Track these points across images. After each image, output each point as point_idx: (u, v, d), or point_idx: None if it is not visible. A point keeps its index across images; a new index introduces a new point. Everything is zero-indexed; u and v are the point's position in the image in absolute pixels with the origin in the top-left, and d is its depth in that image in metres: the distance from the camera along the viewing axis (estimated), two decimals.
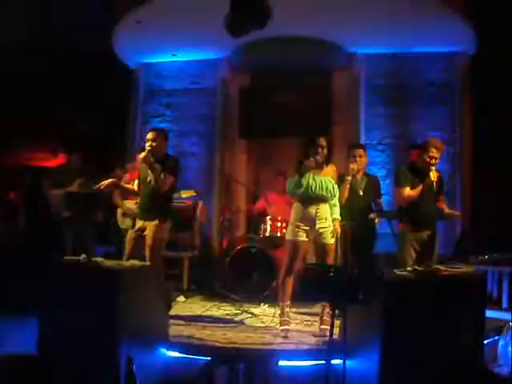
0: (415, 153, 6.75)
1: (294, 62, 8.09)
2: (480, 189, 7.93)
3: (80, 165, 7.32)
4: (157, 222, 5.28)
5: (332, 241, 5.14)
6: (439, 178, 5.52)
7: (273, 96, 8.42)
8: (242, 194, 8.57)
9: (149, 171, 5.28)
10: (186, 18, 7.22)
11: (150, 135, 5.38)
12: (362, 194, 5.92)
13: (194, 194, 6.74)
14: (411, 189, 5.40)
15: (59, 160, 8.56)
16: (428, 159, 5.34)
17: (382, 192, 6.22)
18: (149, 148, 5.29)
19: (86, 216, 7.00)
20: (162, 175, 5.21)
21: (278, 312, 5.24)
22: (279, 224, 7.04)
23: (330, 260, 5.12)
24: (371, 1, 6.71)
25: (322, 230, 5.11)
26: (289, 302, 5.17)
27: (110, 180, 5.46)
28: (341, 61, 8.45)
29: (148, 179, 5.33)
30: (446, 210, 5.65)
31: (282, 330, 5.01)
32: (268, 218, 7.17)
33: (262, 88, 8.70)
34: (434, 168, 5.36)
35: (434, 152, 5.35)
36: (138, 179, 5.56)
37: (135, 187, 5.61)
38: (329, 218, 5.17)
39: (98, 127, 9.64)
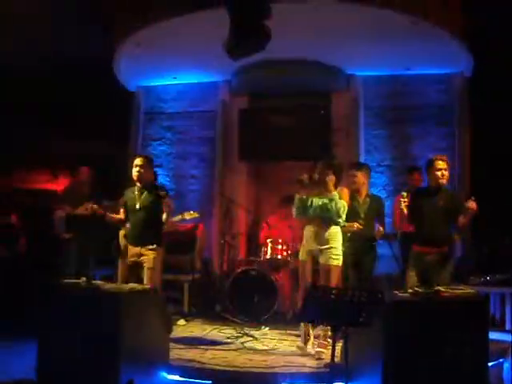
0: (417, 175, 6.77)
1: (293, 85, 8.13)
2: (480, 209, 7.90)
3: (88, 187, 7.27)
4: (155, 246, 5.41)
5: (334, 262, 5.15)
6: (452, 199, 5.44)
7: (272, 118, 8.42)
8: (242, 216, 8.55)
9: (139, 198, 5.49)
10: (186, 41, 7.27)
11: (137, 161, 5.55)
12: (363, 214, 5.92)
13: (197, 215, 6.76)
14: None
15: (60, 183, 8.55)
16: (438, 173, 5.28)
17: (385, 213, 6.19)
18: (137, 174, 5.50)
19: (88, 238, 6.97)
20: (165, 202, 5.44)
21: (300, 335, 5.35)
22: (280, 246, 7.04)
23: (333, 282, 5.12)
24: (369, 23, 6.75)
25: (322, 251, 5.14)
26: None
27: (93, 206, 5.76)
28: (339, 83, 8.48)
29: (137, 206, 5.46)
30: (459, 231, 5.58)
31: (316, 353, 5.04)
32: (269, 240, 7.17)
33: (261, 110, 8.72)
34: (444, 182, 5.30)
35: (440, 164, 5.29)
36: (125, 207, 5.65)
37: (122, 216, 5.71)
38: (332, 239, 5.18)
39: (99, 151, 9.66)
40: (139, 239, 5.48)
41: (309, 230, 5.34)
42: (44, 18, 7.63)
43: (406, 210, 5.23)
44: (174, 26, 6.95)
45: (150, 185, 5.59)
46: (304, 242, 5.38)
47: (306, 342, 5.30)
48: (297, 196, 5.34)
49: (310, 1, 6.32)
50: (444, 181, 5.28)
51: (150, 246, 5.42)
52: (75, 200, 7.04)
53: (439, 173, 5.25)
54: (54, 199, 7.38)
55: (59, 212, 6.96)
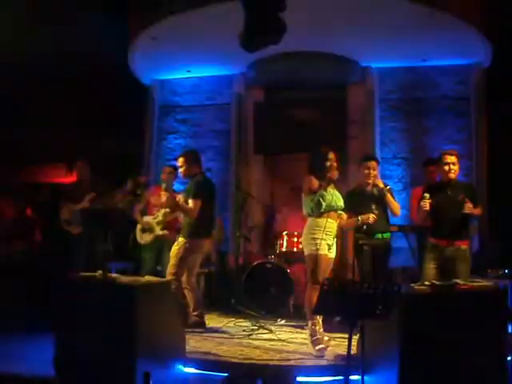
0: (432, 168, 6.69)
1: (309, 77, 8.12)
2: (497, 201, 7.84)
3: (90, 180, 7.24)
4: (181, 237, 5.81)
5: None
6: (465, 191, 5.41)
7: (287, 111, 8.41)
8: (258, 209, 8.54)
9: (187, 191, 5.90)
10: (201, 34, 7.26)
11: (178, 162, 6.04)
12: (375, 207, 5.87)
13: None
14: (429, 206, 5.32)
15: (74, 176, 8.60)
16: (446, 167, 5.31)
17: (398, 203, 6.11)
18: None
19: (101, 232, 6.99)
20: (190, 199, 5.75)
21: (308, 332, 5.04)
22: (295, 239, 7.01)
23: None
24: (385, 14, 6.71)
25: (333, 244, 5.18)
26: (319, 319, 5.06)
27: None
28: (355, 75, 8.44)
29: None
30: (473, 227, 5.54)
31: (318, 350, 4.82)
32: (284, 233, 7.16)
33: (276, 103, 8.72)
34: (454, 176, 5.30)
35: (448, 159, 5.33)
36: None
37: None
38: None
39: (114, 143, 9.69)
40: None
41: (329, 222, 5.12)
42: (56, 11, 7.64)
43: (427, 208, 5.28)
44: (188, 19, 6.96)
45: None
46: (322, 235, 5.05)
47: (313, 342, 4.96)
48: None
49: None
50: (452, 175, 5.34)
51: (180, 238, 5.80)
52: (77, 194, 7.02)
53: (447, 167, 5.33)
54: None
55: (63, 207, 7.00)
